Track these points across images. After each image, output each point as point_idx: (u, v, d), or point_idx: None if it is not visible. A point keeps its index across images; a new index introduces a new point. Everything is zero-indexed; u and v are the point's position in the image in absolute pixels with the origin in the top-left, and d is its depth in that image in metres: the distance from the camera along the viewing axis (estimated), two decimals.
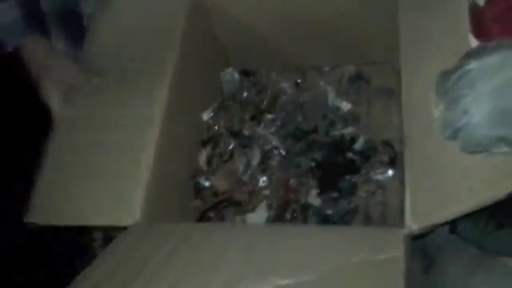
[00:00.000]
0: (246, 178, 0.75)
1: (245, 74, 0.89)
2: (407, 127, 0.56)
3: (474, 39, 0.47)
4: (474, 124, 0.42)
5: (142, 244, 0.54)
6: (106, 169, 0.63)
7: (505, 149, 0.41)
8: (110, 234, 0.93)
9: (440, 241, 0.68)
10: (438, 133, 0.47)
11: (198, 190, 0.76)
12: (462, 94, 0.43)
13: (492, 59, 0.42)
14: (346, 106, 0.84)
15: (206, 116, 0.80)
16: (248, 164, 0.75)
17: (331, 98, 0.85)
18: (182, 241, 0.52)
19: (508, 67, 0.41)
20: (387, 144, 0.78)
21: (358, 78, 0.87)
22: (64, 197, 0.63)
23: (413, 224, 0.49)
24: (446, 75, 0.46)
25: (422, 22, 0.62)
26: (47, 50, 0.72)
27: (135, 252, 0.53)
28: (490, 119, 0.41)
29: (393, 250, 0.45)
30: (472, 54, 0.44)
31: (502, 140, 0.41)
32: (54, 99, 0.70)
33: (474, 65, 0.43)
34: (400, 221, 0.69)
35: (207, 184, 0.75)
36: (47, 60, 0.71)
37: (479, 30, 0.48)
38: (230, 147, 0.77)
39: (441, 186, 0.47)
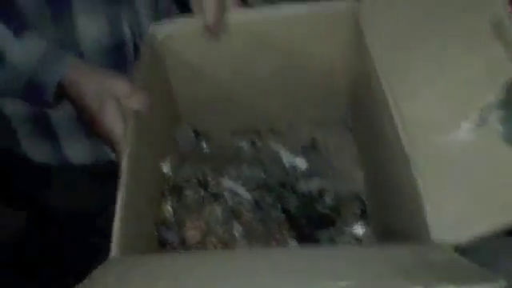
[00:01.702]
0: (218, 229, 0.66)
1: (196, 133, 0.85)
2: (413, 158, 0.54)
3: None
4: None
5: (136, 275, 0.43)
6: None
7: None
8: None
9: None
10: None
11: (162, 244, 0.65)
12: None
13: None
14: (302, 164, 0.82)
15: (166, 168, 0.73)
16: (221, 214, 0.67)
17: (286, 158, 0.83)
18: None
19: None
20: (357, 197, 0.76)
21: (313, 146, 0.86)
22: None
23: (454, 236, 0.46)
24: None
25: (402, 60, 0.63)
26: (96, 71, 0.63)
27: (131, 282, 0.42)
28: None
29: None
30: None
31: None
32: (119, 125, 0.60)
33: None
34: None
35: (172, 237, 0.65)
36: (102, 84, 0.62)
37: None
38: (201, 195, 0.69)
39: (476, 199, 0.46)
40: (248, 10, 0.74)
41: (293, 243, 0.68)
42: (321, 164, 0.81)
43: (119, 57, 0.77)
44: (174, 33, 0.75)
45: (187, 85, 0.82)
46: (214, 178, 0.73)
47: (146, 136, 0.66)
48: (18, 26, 0.63)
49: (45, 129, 0.81)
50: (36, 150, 0.85)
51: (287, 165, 0.81)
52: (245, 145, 0.84)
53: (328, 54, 0.77)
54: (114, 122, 0.60)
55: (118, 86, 0.61)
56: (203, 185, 0.71)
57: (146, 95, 0.62)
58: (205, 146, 0.80)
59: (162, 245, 0.65)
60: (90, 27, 0.72)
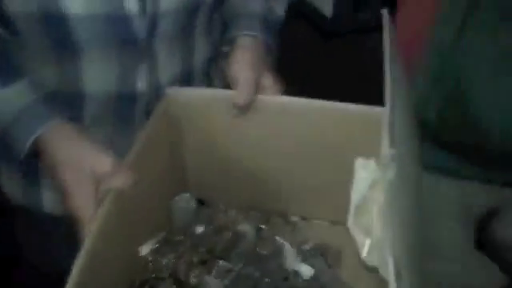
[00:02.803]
0: None
1: (201, 203, 0.75)
2: None
3: None
4: None
5: None
6: None
7: None
8: None
9: None
10: None
11: None
12: None
13: None
14: (307, 271, 0.70)
15: (145, 250, 0.63)
16: None
17: (289, 260, 0.71)
18: None
19: None
20: None
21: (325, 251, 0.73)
22: None
23: None
24: None
25: None
26: (80, 141, 0.56)
27: None
28: None
29: None
30: None
31: None
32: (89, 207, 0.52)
33: None
34: None
35: None
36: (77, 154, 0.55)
37: None
38: None
39: None
40: (281, 97, 0.66)
41: None
42: (330, 276, 0.69)
43: (127, 110, 0.69)
44: (191, 100, 0.67)
45: (199, 154, 0.73)
46: (200, 273, 0.63)
47: (125, 217, 0.57)
48: (11, 75, 0.59)
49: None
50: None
51: (289, 268, 0.69)
52: (249, 230, 0.73)
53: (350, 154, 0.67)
54: (85, 202, 0.52)
55: (100, 163, 0.54)
56: (181, 284, 0.60)
57: (130, 175, 0.54)
58: (201, 228, 0.69)
59: None
60: (98, 74, 0.64)
